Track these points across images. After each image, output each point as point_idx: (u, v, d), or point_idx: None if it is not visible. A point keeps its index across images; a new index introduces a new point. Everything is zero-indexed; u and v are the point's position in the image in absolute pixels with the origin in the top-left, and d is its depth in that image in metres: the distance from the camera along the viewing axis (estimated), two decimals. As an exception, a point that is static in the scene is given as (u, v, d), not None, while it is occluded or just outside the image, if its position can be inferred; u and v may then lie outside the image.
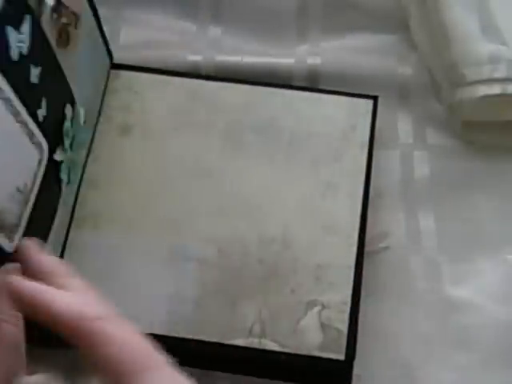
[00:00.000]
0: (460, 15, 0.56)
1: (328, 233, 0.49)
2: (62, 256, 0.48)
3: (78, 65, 0.46)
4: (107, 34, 0.54)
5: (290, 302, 0.47)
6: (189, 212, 0.50)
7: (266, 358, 0.46)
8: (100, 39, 0.52)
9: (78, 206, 0.50)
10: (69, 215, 0.49)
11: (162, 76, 0.55)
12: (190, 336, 0.46)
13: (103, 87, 0.54)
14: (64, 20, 0.43)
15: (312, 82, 0.59)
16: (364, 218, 0.50)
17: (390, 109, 0.58)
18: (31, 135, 0.40)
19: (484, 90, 0.54)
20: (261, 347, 0.46)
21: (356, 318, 0.47)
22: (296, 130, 0.53)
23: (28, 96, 0.39)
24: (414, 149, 0.57)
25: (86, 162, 0.51)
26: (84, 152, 0.50)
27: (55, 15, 0.42)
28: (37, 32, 0.40)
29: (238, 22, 0.61)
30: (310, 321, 0.46)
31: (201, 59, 0.59)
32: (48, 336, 0.47)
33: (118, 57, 0.56)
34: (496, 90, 0.54)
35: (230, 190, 0.51)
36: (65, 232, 0.49)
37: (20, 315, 0.36)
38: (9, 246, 0.38)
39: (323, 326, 0.46)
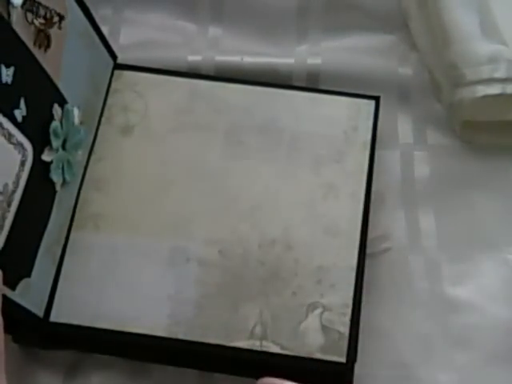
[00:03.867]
0: (460, 15, 0.56)
1: (329, 234, 0.49)
2: (62, 257, 0.48)
3: (67, 65, 0.46)
4: (107, 34, 0.54)
5: (291, 304, 0.47)
6: (190, 213, 0.50)
7: (267, 360, 0.46)
8: (97, 39, 0.51)
9: (78, 207, 0.50)
10: (69, 216, 0.49)
11: (163, 76, 0.55)
12: (191, 338, 0.46)
13: (105, 87, 0.54)
14: (41, 20, 0.43)
15: (312, 82, 0.59)
16: (366, 219, 0.50)
17: (390, 109, 0.58)
18: (8, 135, 0.40)
19: (484, 90, 0.54)
20: (262, 349, 0.46)
21: (357, 320, 0.47)
22: (297, 131, 0.53)
23: (0, 96, 0.39)
24: (414, 149, 0.57)
25: (87, 162, 0.51)
26: (83, 152, 0.50)
27: (30, 16, 0.42)
28: (6, 32, 0.39)
29: (238, 22, 0.61)
30: (312, 323, 0.46)
31: (201, 59, 0.59)
32: (46, 337, 0.47)
33: (118, 57, 0.56)
34: (496, 90, 0.54)
35: (230, 191, 0.51)
36: (65, 233, 0.48)
37: (1, 321, 0.36)
38: None
39: (324, 329, 0.46)
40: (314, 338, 0.46)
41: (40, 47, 0.43)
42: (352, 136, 0.53)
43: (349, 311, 0.47)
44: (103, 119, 0.53)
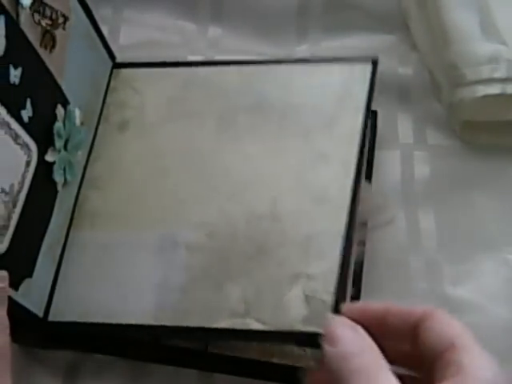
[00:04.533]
0: (460, 15, 0.56)
1: (318, 202, 0.46)
2: (61, 257, 0.48)
3: (69, 66, 0.46)
4: (107, 34, 0.54)
5: (275, 277, 0.44)
6: (181, 200, 0.48)
7: (248, 338, 0.43)
8: (97, 40, 0.52)
9: (77, 207, 0.50)
10: (69, 216, 0.49)
11: (159, 69, 0.54)
12: (175, 323, 0.44)
13: (105, 88, 0.54)
14: (48, 21, 0.43)
15: (312, 82, 0.59)
16: (357, 185, 0.46)
17: (390, 109, 0.58)
18: (14, 136, 0.40)
19: (484, 90, 0.54)
20: (244, 327, 0.43)
21: (343, 287, 0.42)
22: (289, 104, 0.51)
23: (8, 96, 0.39)
24: (414, 149, 0.57)
25: (86, 162, 0.51)
26: (83, 152, 0.50)
27: (37, 16, 0.42)
28: (14, 33, 0.40)
29: (238, 22, 0.61)
30: (295, 294, 0.43)
31: (201, 59, 0.59)
32: (46, 336, 0.47)
33: (118, 57, 0.56)
34: (496, 89, 0.54)
35: (221, 174, 0.49)
36: (65, 232, 0.49)
37: (7, 322, 0.36)
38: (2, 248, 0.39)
39: (308, 299, 0.43)
40: (296, 310, 0.42)
41: (46, 48, 0.43)
42: (346, 102, 0.50)
43: (334, 278, 0.42)
44: (102, 118, 0.53)
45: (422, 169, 0.57)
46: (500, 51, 0.54)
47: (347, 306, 0.39)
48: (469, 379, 0.32)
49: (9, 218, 0.39)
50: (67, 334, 0.47)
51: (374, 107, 0.56)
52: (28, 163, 0.42)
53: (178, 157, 0.50)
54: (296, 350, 0.47)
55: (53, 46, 0.44)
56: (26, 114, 0.41)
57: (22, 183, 0.41)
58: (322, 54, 0.60)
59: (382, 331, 0.36)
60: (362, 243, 0.51)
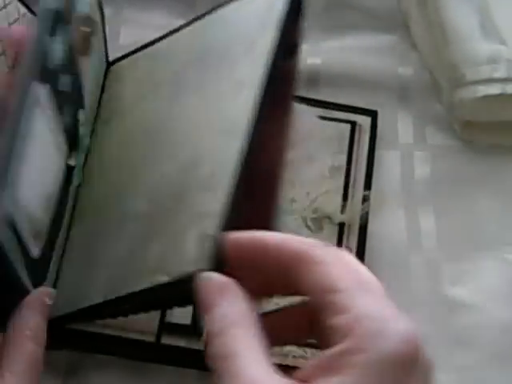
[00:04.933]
0: (460, 15, 0.56)
1: (228, 137, 0.41)
2: (62, 257, 0.48)
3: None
4: (107, 34, 0.54)
5: (184, 226, 0.40)
6: (136, 174, 0.47)
7: (155, 294, 0.39)
8: (103, 42, 0.52)
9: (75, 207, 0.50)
10: (69, 218, 0.49)
11: (135, 55, 0.54)
12: (113, 296, 0.41)
13: (101, 88, 0.54)
14: (87, 28, 0.44)
15: (312, 82, 0.59)
16: (261, 110, 0.41)
17: (390, 109, 0.58)
18: (58, 143, 0.40)
19: (484, 90, 0.54)
20: (153, 285, 0.39)
21: (231, 219, 0.37)
22: (225, 44, 0.48)
23: (57, 104, 0.39)
24: (414, 149, 0.57)
25: (84, 164, 0.51)
26: (84, 155, 0.50)
27: (80, 23, 0.43)
28: (68, 41, 0.40)
29: (237, 22, 0.61)
30: (192, 237, 0.39)
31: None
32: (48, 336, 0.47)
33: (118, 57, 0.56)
34: (496, 90, 0.54)
35: (168, 136, 0.47)
36: (65, 234, 0.49)
37: (44, 333, 0.37)
38: (36, 253, 0.39)
39: (200, 238, 0.38)
40: (190, 253, 0.38)
41: (82, 54, 0.44)
42: (266, 19, 0.45)
43: (222, 207, 0.38)
44: (97, 118, 0.53)
45: (422, 169, 0.57)
46: (500, 51, 0.55)
47: (232, 238, 0.33)
48: (358, 350, 0.27)
49: (44, 224, 0.40)
50: (67, 333, 0.47)
51: (374, 107, 0.57)
52: (60, 168, 0.42)
53: (143, 135, 0.49)
54: (296, 350, 0.47)
55: (87, 53, 0.45)
56: (64, 120, 0.41)
57: (55, 188, 0.41)
58: (321, 53, 0.60)
59: (264, 267, 0.32)
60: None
